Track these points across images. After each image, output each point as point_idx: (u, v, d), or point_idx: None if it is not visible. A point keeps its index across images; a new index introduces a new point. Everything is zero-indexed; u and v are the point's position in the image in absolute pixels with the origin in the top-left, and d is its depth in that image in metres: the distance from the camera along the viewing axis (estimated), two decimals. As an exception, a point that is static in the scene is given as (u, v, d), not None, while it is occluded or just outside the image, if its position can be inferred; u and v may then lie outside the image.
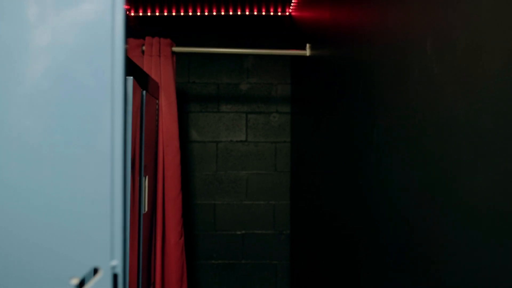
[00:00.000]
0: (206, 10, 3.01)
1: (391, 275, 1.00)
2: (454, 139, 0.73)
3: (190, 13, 3.00)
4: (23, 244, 0.52)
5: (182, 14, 2.99)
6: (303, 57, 2.39)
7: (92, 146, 0.53)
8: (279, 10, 3.04)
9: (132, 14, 3.00)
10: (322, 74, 1.98)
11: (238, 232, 3.04)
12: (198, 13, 3.01)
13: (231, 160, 3.01)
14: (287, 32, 3.03)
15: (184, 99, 2.98)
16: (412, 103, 0.91)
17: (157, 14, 2.98)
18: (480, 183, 0.64)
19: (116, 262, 0.55)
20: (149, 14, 2.99)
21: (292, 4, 2.94)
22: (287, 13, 3.05)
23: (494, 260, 0.61)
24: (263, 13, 3.03)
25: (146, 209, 1.36)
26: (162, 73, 2.24)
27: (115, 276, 0.55)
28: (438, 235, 0.78)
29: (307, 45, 2.29)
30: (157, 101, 1.56)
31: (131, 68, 1.20)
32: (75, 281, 0.54)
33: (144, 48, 2.25)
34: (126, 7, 2.98)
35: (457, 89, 0.72)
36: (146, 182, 1.34)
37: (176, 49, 2.26)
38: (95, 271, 0.56)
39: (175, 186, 2.24)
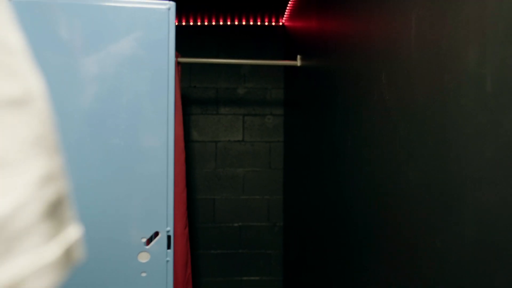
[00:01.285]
0: (206, 20, 3.31)
1: (360, 252, 1.32)
2: (394, 146, 1.05)
3: (191, 23, 3.29)
4: (115, 215, 0.83)
5: (184, 24, 3.29)
6: (295, 66, 2.70)
7: (157, 148, 0.84)
8: (273, 20, 3.35)
9: (138, 23, 3.28)
10: (310, 82, 2.30)
11: (236, 224, 3.35)
12: (199, 23, 3.31)
13: (229, 158, 3.32)
14: (280, 40, 3.34)
15: (186, 102, 3.28)
16: (372, 118, 1.23)
17: (161, 23, 3.27)
18: (412, 175, 0.97)
19: (169, 228, 0.86)
20: (153, 23, 3.28)
21: (285, 15, 3.25)
22: (281, 23, 3.35)
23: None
24: (259, 23, 3.33)
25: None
26: (169, 81, 2.54)
27: (168, 237, 0.87)
28: (390, 213, 1.10)
29: (298, 57, 2.60)
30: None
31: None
32: (144, 240, 0.86)
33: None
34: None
35: (399, 111, 1.04)
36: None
37: (181, 59, 2.56)
38: (156, 234, 0.87)
39: (181, 181, 2.55)
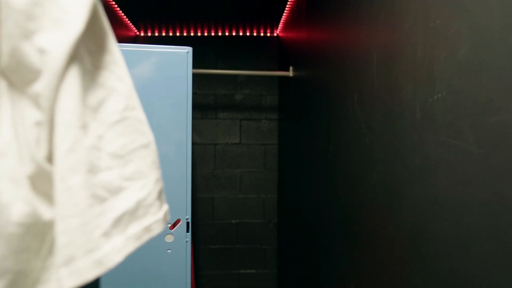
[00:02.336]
0: (205, 31, 3.60)
1: (341, 242, 1.62)
2: (363, 153, 1.35)
3: (192, 34, 3.58)
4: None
5: (185, 34, 3.57)
6: (288, 76, 3.00)
7: (179, 156, 1.13)
8: (268, 31, 3.64)
9: (142, 34, 3.57)
10: (301, 91, 2.59)
11: (233, 221, 3.64)
12: (199, 34, 3.59)
13: (227, 160, 3.61)
14: (275, 50, 3.63)
15: (187, 108, 3.56)
16: (347, 129, 1.52)
17: (163, 34, 3.56)
18: (375, 176, 1.26)
19: (188, 216, 1.15)
20: (156, 34, 3.56)
21: (279, 26, 3.54)
22: (275, 34, 3.65)
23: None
24: (254, 34, 3.63)
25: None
26: (173, 90, 2.83)
27: (187, 223, 1.16)
28: (359, 206, 1.40)
29: (291, 68, 2.90)
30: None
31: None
32: (169, 225, 1.15)
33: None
34: (135, 30, 3.55)
35: (365, 125, 1.34)
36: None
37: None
38: (178, 220, 1.16)
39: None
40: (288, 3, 2.98)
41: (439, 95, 0.89)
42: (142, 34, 3.57)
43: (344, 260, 1.57)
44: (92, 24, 0.49)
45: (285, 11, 3.19)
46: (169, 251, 1.12)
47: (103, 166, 0.49)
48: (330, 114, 1.80)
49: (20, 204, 0.45)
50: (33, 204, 0.47)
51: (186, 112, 1.11)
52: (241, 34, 3.62)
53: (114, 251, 0.48)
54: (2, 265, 0.45)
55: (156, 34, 3.56)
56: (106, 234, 0.48)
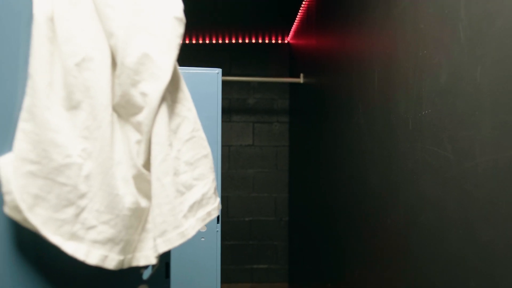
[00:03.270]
0: (220, 39, 3.83)
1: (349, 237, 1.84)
2: (364, 157, 1.57)
3: (207, 41, 3.82)
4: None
5: (200, 42, 3.81)
6: (298, 83, 3.22)
7: (214, 142, 1.37)
8: (279, 38, 3.86)
9: (160, 42, 3.81)
10: (311, 96, 2.81)
11: (246, 219, 3.88)
12: (214, 41, 3.83)
13: (240, 161, 3.85)
14: (286, 56, 3.86)
15: (202, 112, 3.79)
16: (353, 136, 1.75)
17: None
18: (374, 175, 1.48)
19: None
20: (174, 42, 3.80)
21: (290, 33, 3.76)
22: (286, 41, 3.87)
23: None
24: (266, 41, 3.85)
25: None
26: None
27: (218, 216, 1.39)
28: (362, 202, 1.62)
29: (301, 75, 3.12)
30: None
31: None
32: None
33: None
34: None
35: (368, 132, 1.56)
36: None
37: (202, 78, 3.08)
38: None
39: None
40: (300, 11, 3.20)
41: (426, 112, 1.11)
42: (160, 42, 3.80)
43: (348, 252, 1.79)
44: (172, 74, 0.72)
45: (296, 20, 3.41)
46: (202, 239, 1.35)
47: (181, 170, 0.72)
48: (337, 120, 2.02)
49: (130, 196, 0.69)
50: (136, 196, 0.70)
51: (216, 120, 1.34)
52: (253, 41, 3.85)
53: (190, 227, 0.71)
54: (119, 236, 0.68)
55: (174, 42, 3.80)
56: (185, 216, 0.71)
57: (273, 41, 3.87)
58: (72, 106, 0.66)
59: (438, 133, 1.04)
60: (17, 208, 0.62)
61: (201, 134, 0.77)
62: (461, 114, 0.94)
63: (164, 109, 0.70)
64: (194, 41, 3.80)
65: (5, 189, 0.62)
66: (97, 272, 0.68)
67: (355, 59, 1.75)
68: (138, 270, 0.79)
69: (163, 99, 0.70)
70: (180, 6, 0.76)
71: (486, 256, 0.84)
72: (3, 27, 0.65)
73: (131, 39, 0.68)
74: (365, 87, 1.61)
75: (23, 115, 0.63)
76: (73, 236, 0.65)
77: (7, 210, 0.63)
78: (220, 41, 3.83)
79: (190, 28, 3.72)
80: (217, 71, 1.36)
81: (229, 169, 3.85)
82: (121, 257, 0.69)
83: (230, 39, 3.83)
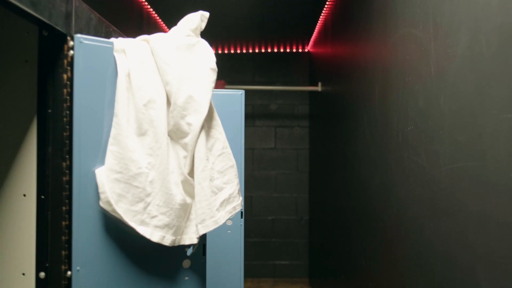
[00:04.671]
0: (244, 48, 4.15)
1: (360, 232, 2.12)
2: (368, 161, 1.84)
3: (232, 51, 4.14)
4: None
5: (226, 52, 4.14)
6: (317, 91, 3.50)
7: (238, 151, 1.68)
8: (300, 47, 4.15)
9: (189, 52, 4.15)
10: (328, 103, 3.09)
11: (269, 218, 4.18)
12: (238, 51, 4.15)
13: (263, 163, 4.15)
14: (306, 64, 4.14)
15: (228, 117, 4.12)
16: (359, 143, 2.02)
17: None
18: (377, 178, 1.76)
19: (242, 206, 1.69)
20: (201, 52, 4.14)
21: (309, 43, 4.04)
22: (306, 50, 4.15)
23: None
24: (288, 50, 4.14)
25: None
26: (218, 104, 3.40)
27: (241, 212, 1.70)
28: (367, 201, 1.90)
29: (319, 83, 3.40)
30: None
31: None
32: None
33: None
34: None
35: (372, 140, 1.83)
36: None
37: (227, 86, 3.40)
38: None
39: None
40: (319, 22, 3.46)
41: (410, 128, 1.38)
42: (188, 52, 4.16)
43: (358, 246, 2.06)
44: (209, 108, 1.04)
45: (315, 30, 3.68)
46: (228, 231, 1.66)
47: (215, 177, 1.03)
48: (348, 128, 2.30)
49: (179, 195, 1.00)
50: (184, 195, 1.01)
51: (240, 133, 1.65)
52: (276, 50, 4.15)
53: (221, 217, 1.02)
54: (172, 222, 0.99)
55: (201, 52, 4.14)
56: (218, 209, 1.02)
57: (294, 50, 4.15)
58: (141, 133, 0.98)
59: (417, 146, 1.32)
60: (108, 203, 0.94)
61: (229, 150, 1.08)
62: (431, 132, 1.22)
63: (203, 133, 1.01)
64: (219, 51, 4.13)
65: (100, 189, 0.95)
66: (158, 247, 1.00)
67: (361, 75, 2.02)
68: (183, 248, 1.10)
69: (202, 127, 1.01)
70: (214, 59, 1.07)
71: (448, 244, 1.12)
72: (96, 80, 0.98)
73: (181, 86, 1.00)
74: (368, 101, 1.88)
75: (111, 140, 0.96)
76: (143, 222, 0.97)
77: (102, 203, 0.95)
78: (244, 51, 4.15)
79: (215, 40, 4.05)
80: (241, 92, 1.67)
81: (253, 170, 4.16)
82: (173, 237, 1.01)
83: (253, 49, 4.14)
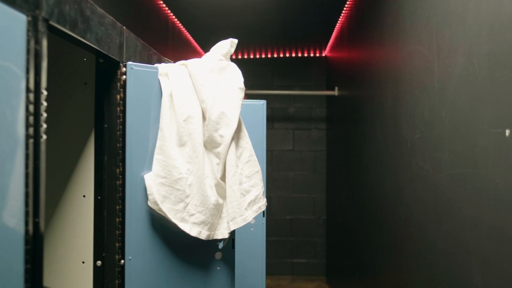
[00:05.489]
0: (263, 53, 4.32)
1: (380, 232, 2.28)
2: (380, 163, 2.00)
3: (252, 56, 4.32)
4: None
5: (245, 57, 4.32)
6: (334, 95, 3.65)
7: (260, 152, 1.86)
8: (317, 52, 4.30)
9: (210, 58, 4.35)
10: (345, 106, 3.24)
11: (287, 217, 4.35)
12: (258, 56, 4.33)
13: (282, 164, 4.32)
14: (323, 68, 4.29)
15: (247, 120, 4.31)
16: (374, 147, 2.18)
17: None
18: (388, 179, 1.91)
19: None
20: (222, 58, 4.34)
21: (326, 48, 4.19)
22: (323, 55, 4.30)
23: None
24: (305, 55, 4.30)
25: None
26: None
27: (263, 212, 1.88)
28: (380, 199, 2.05)
29: (336, 88, 3.55)
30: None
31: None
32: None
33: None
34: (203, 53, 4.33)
35: (384, 145, 1.99)
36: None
37: (247, 91, 3.58)
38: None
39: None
40: (336, 28, 3.61)
41: (417, 136, 1.54)
42: (210, 58, 4.36)
43: (372, 244, 2.22)
44: (238, 122, 1.22)
45: (332, 36, 3.83)
46: (252, 229, 1.84)
47: (243, 181, 1.21)
48: (363, 132, 2.45)
49: (213, 196, 1.18)
50: (217, 197, 1.20)
51: (262, 137, 1.82)
52: (293, 55, 4.31)
53: (248, 215, 1.20)
54: (207, 220, 1.18)
55: (222, 57, 4.34)
56: (246, 209, 1.20)
57: (312, 55, 4.31)
58: (182, 144, 1.16)
59: (424, 153, 1.47)
60: (155, 203, 1.13)
61: (254, 157, 1.26)
62: (435, 141, 1.37)
63: (233, 144, 1.19)
64: (239, 57, 4.31)
65: (148, 191, 1.14)
66: (195, 240, 1.18)
67: (375, 84, 2.18)
68: (216, 242, 1.28)
69: (232, 138, 1.19)
70: (242, 80, 1.25)
71: (448, 241, 1.27)
72: (144, 100, 1.17)
73: (214, 103, 1.18)
74: (381, 109, 2.04)
75: (157, 150, 1.15)
76: (183, 219, 1.16)
77: (150, 203, 1.14)
78: (263, 56, 4.32)
79: (239, 46, 4.23)
80: (262, 102, 1.84)
81: (272, 171, 4.33)
82: (208, 233, 1.19)
83: (272, 54, 4.31)
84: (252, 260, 1.97)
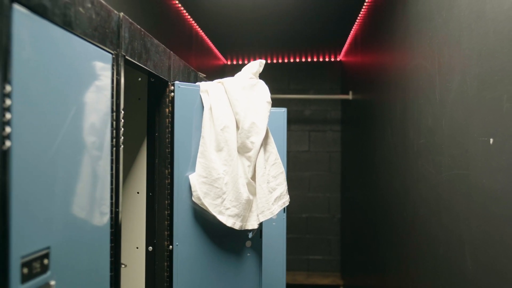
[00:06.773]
0: (280, 59, 4.55)
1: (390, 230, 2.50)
2: (392, 166, 2.21)
3: (269, 61, 4.55)
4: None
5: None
6: (348, 99, 3.86)
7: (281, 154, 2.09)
8: (332, 57, 4.51)
9: (229, 63, 4.60)
10: (358, 111, 3.45)
11: (303, 215, 4.57)
12: (274, 61, 4.56)
13: (298, 165, 4.55)
14: (338, 73, 4.50)
15: (265, 122, 4.54)
16: (385, 149, 2.39)
17: (246, 62, 4.56)
18: (397, 180, 2.13)
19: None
20: (240, 63, 4.58)
21: (341, 52, 4.40)
22: (338, 59, 4.51)
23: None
24: (321, 59, 4.52)
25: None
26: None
27: (284, 208, 2.11)
28: (390, 199, 2.27)
29: (350, 92, 3.76)
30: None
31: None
32: (274, 209, 2.12)
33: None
34: (224, 60, 4.58)
35: (396, 149, 2.20)
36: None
37: (266, 96, 3.81)
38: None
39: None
40: (350, 34, 3.82)
41: (422, 141, 1.75)
42: (229, 63, 4.61)
43: (384, 241, 2.43)
44: (266, 131, 1.46)
45: (346, 41, 4.04)
46: (274, 224, 2.07)
47: (270, 180, 1.45)
48: (376, 135, 2.67)
49: (245, 193, 1.42)
50: (248, 193, 1.43)
51: (283, 137, 2.05)
52: (309, 59, 4.53)
53: (275, 209, 1.44)
54: (240, 213, 1.41)
55: (240, 62, 4.58)
56: (272, 204, 1.43)
57: (327, 59, 4.52)
58: (219, 149, 1.41)
59: (427, 156, 1.69)
60: (198, 198, 1.38)
61: (279, 160, 1.49)
62: (436, 145, 1.58)
63: (261, 149, 1.43)
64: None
65: (192, 189, 1.38)
66: (229, 230, 1.43)
67: (386, 90, 2.39)
68: (246, 232, 1.52)
69: (261, 144, 1.43)
70: (269, 95, 1.49)
71: (446, 233, 1.49)
72: (188, 112, 1.42)
73: (246, 115, 1.42)
74: (391, 114, 2.25)
75: (199, 155, 1.39)
76: (220, 213, 1.40)
77: (194, 199, 1.39)
78: (280, 61, 4.55)
79: (253, 51, 4.48)
80: (283, 110, 2.08)
81: (288, 172, 4.54)
82: (241, 224, 1.43)
83: (289, 59, 4.54)
84: (273, 249, 2.21)
